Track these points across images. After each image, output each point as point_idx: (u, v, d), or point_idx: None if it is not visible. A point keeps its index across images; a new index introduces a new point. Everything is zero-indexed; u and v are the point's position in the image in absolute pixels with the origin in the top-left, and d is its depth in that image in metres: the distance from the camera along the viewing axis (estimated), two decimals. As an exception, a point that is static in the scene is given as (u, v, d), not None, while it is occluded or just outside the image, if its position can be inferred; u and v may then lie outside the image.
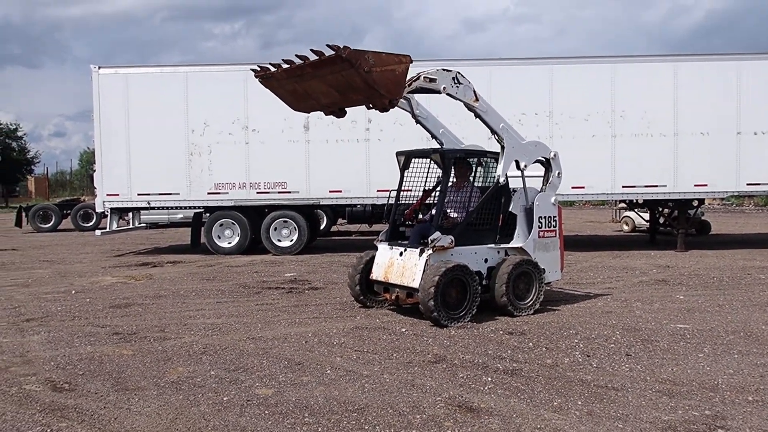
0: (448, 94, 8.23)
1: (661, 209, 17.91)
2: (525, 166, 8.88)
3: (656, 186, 15.47)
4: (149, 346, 7.03)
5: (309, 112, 8.73)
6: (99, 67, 15.79)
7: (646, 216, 19.00)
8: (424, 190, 9.18)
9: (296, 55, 7.54)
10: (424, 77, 7.97)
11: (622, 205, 20.93)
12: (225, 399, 5.31)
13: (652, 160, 15.38)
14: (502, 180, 8.62)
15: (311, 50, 7.23)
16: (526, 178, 8.97)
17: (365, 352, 6.74)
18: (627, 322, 8.02)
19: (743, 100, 15.21)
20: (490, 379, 5.80)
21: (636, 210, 19.65)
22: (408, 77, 7.63)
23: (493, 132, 8.68)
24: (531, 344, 6.99)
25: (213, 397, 5.35)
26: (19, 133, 59.55)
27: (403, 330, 7.69)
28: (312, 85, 7.80)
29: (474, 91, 8.36)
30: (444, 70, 8.15)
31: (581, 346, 6.90)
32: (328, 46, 6.96)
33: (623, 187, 15.53)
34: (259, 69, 8.21)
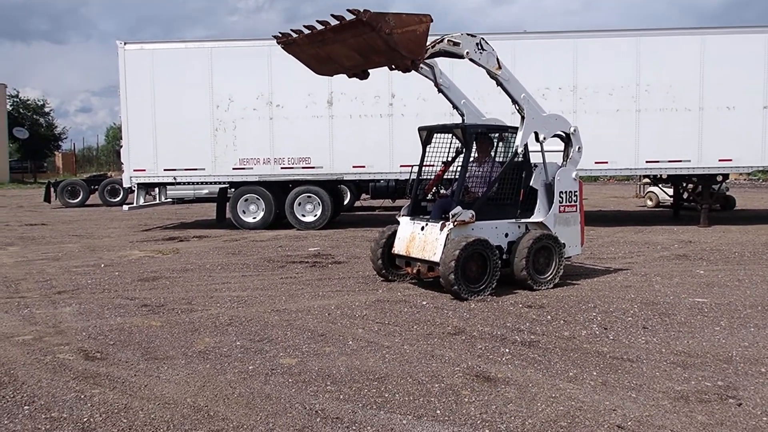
0: (470, 59, 8.24)
1: (685, 184, 17.78)
2: (544, 138, 8.90)
3: (680, 161, 15.36)
4: (177, 318, 7.25)
5: (332, 75, 8.79)
6: (125, 43, 15.98)
7: (670, 191, 18.89)
8: (444, 162, 9.24)
9: (317, 21, 7.59)
10: (448, 40, 7.99)
11: (646, 180, 20.79)
12: (250, 368, 5.50)
13: (677, 135, 15.25)
14: (520, 149, 8.66)
15: (332, 15, 7.29)
16: (546, 153, 9.01)
17: (386, 324, 6.90)
18: (646, 296, 8.09)
19: (770, 74, 15.01)
20: (507, 350, 5.93)
21: (660, 185, 19.55)
22: (432, 40, 7.69)
23: (514, 102, 8.70)
24: (549, 317, 7.10)
25: (239, 366, 5.54)
26: (47, 109, 60.49)
27: (424, 303, 7.84)
28: (334, 49, 7.86)
29: (497, 59, 8.37)
30: (468, 35, 8.18)
31: (599, 319, 7.00)
32: (348, 10, 7.02)
33: (647, 162, 15.45)
34: (281, 35, 8.29)
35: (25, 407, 4.68)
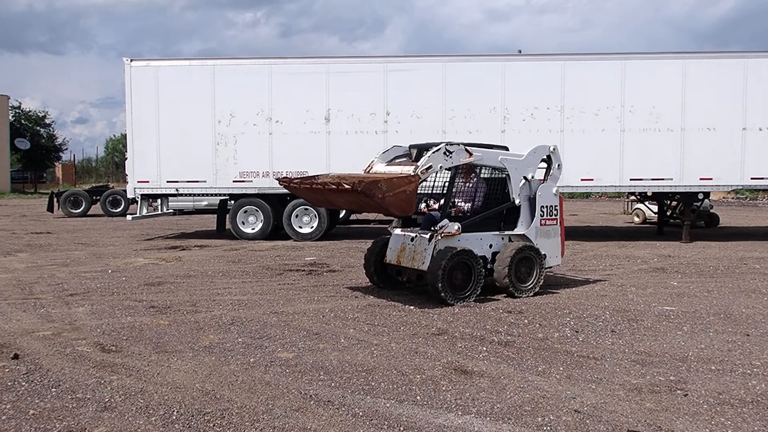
0: (447, 169, 9.00)
1: (668, 202, 18.46)
2: (532, 177, 9.56)
3: (663, 179, 16.03)
4: (183, 318, 7.85)
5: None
6: (131, 60, 16.65)
7: (655, 208, 19.54)
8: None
9: (315, 183, 8.53)
10: (422, 171, 8.36)
11: (633, 197, 21.46)
12: (251, 360, 6.10)
13: (660, 154, 15.94)
14: (517, 202, 9.37)
15: (330, 183, 8.20)
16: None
17: (376, 325, 7.50)
18: (618, 304, 8.71)
19: (749, 97, 15.72)
20: (485, 348, 6.53)
21: (646, 202, 20.20)
22: (413, 168, 8.35)
23: (495, 169, 9.46)
24: (526, 321, 7.71)
25: (241, 359, 6.14)
26: (48, 121, 61.14)
27: (412, 307, 8.44)
28: (333, 197, 8.69)
29: (466, 149, 8.90)
30: (434, 153, 8.57)
31: (572, 323, 7.61)
32: (344, 183, 7.85)
33: (631, 179, 16.10)
34: (283, 179, 9.34)
35: (53, 389, 5.28)
